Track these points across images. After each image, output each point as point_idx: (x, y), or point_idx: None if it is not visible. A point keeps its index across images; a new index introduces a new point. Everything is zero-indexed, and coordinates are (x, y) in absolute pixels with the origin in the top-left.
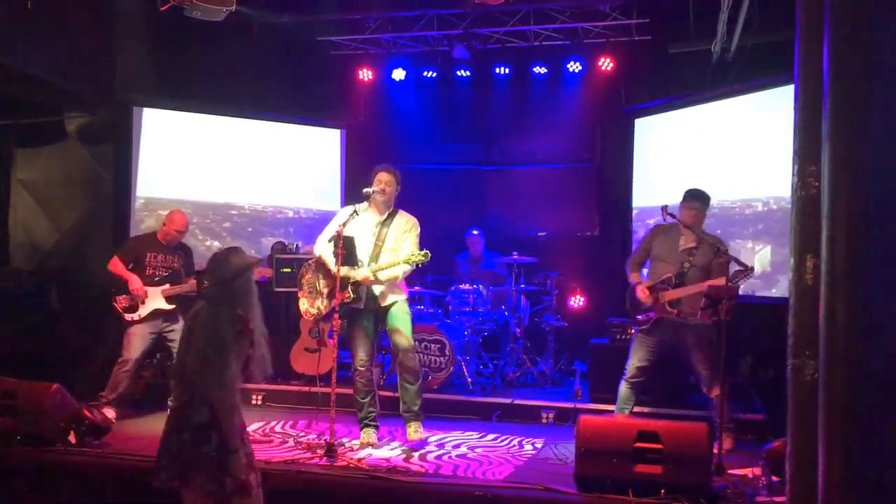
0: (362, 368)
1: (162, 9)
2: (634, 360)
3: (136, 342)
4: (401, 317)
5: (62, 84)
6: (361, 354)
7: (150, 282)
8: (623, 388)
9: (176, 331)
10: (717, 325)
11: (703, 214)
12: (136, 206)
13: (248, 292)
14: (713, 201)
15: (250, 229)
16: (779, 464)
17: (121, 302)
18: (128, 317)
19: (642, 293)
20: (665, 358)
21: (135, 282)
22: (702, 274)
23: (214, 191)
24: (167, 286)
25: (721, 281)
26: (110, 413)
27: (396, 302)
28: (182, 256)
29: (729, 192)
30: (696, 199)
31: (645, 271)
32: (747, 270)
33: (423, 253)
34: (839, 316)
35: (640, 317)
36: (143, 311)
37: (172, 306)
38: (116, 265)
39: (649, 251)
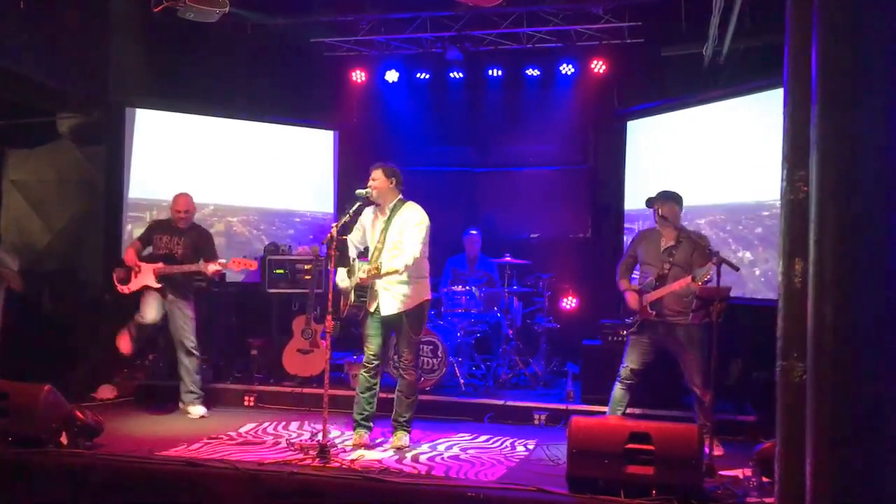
0: (369, 364)
1: (155, 10)
2: (628, 363)
3: (148, 308)
4: (400, 332)
5: (54, 84)
6: (369, 351)
7: (147, 259)
8: (616, 389)
9: (175, 310)
10: (708, 327)
11: (673, 210)
12: (128, 207)
13: None
14: (705, 203)
15: (242, 230)
16: (769, 465)
17: (117, 273)
18: (119, 287)
19: (632, 300)
20: (659, 360)
21: (128, 254)
22: (684, 272)
23: (207, 192)
24: (159, 264)
25: (686, 280)
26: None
27: (401, 313)
28: (191, 239)
29: (720, 195)
30: (665, 198)
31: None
32: (727, 263)
33: (394, 268)
34: (827, 318)
35: (628, 320)
36: (133, 284)
37: (159, 285)
38: (130, 247)
39: (635, 257)
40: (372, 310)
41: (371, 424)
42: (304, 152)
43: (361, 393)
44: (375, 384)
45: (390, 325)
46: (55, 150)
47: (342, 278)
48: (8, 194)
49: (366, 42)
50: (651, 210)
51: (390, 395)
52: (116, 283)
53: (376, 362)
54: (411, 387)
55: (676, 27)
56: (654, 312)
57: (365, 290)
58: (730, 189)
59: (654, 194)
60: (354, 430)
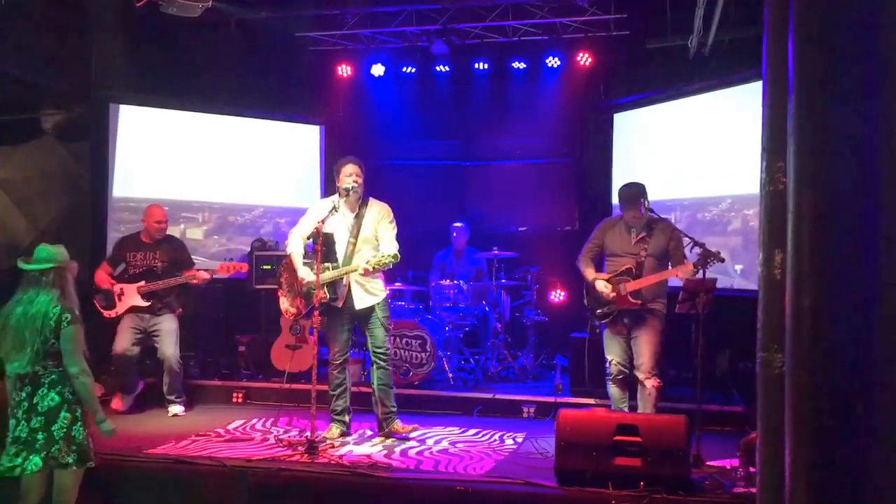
0: (335, 363)
1: (138, 5)
2: (613, 358)
3: (120, 337)
4: (376, 325)
5: (37, 81)
6: (334, 349)
7: (127, 280)
8: (610, 387)
9: (158, 327)
10: (694, 319)
11: (635, 202)
12: (113, 204)
13: None
14: (694, 196)
15: (227, 227)
16: (754, 455)
17: (98, 299)
18: (106, 313)
19: (605, 287)
20: None
21: (100, 278)
22: (657, 262)
23: (193, 188)
24: (142, 283)
25: (688, 267)
26: (117, 404)
27: (373, 306)
28: (167, 251)
29: (706, 187)
30: (641, 192)
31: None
32: (713, 256)
33: (391, 255)
34: (804, 309)
35: (599, 311)
36: (120, 307)
37: (148, 303)
38: (100, 269)
39: (601, 246)
40: (340, 306)
41: (346, 419)
42: (290, 147)
43: (332, 391)
44: (345, 379)
45: (357, 319)
46: (39, 146)
47: (307, 273)
48: None
49: (351, 36)
50: (638, 204)
51: (368, 390)
52: (100, 310)
53: (343, 358)
54: (391, 376)
55: (661, 19)
56: (638, 301)
57: (335, 286)
58: (718, 179)
59: (631, 191)
60: (330, 423)
